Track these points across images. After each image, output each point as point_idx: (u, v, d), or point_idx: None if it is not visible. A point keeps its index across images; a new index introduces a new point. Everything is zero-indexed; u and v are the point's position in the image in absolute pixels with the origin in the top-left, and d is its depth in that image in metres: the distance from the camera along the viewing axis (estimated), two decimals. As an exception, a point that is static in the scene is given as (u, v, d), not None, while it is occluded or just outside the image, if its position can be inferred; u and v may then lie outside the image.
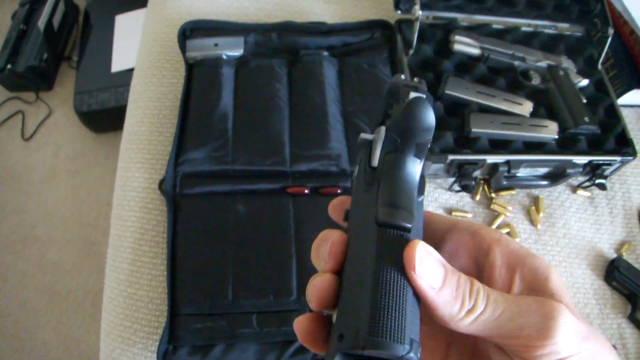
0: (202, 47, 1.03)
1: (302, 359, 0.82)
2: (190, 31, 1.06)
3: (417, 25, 0.99)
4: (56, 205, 2.08)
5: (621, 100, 1.15)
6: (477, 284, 0.37)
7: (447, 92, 0.97)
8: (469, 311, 0.36)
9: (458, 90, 0.98)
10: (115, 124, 2.02)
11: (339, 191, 0.92)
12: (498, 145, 0.97)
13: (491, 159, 0.94)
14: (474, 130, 0.94)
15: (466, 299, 0.36)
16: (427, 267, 0.35)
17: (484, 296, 0.36)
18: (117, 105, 1.96)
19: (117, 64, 2.06)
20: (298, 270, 0.85)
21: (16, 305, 1.90)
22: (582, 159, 0.97)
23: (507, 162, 0.94)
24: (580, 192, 1.06)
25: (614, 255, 1.01)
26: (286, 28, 1.07)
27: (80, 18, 2.44)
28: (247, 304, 0.83)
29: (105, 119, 2.07)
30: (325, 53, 1.04)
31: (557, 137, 0.97)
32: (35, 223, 2.05)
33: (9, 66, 2.18)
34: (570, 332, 0.36)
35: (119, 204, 1.00)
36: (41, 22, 2.18)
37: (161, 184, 0.94)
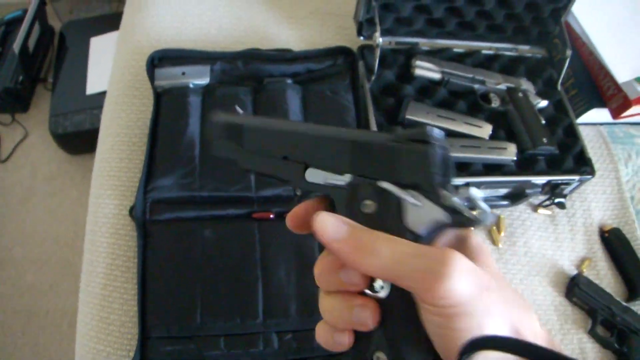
0: (169, 76, 1.05)
1: (268, 380, 0.84)
2: (159, 60, 1.09)
3: (378, 52, 1.01)
4: (33, 227, 2.09)
5: (582, 119, 1.19)
6: (379, 234, 0.43)
7: (407, 117, 1.00)
8: (371, 254, 0.41)
9: (419, 115, 1.00)
10: (90, 146, 1.99)
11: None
12: (458, 167, 1.00)
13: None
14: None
15: (365, 246, 0.42)
16: (328, 226, 0.44)
17: (387, 244, 0.41)
18: (93, 128, 1.98)
19: (92, 86, 2.08)
20: (264, 294, 0.87)
21: (-7, 327, 1.90)
22: (540, 179, 1.00)
23: (467, 184, 0.97)
24: (541, 210, 1.09)
25: (575, 272, 1.05)
26: (251, 56, 1.10)
27: (55, 40, 2.45)
28: (214, 327, 0.85)
29: (80, 141, 2.08)
30: (289, 81, 1.06)
31: (515, 158, 1.00)
32: (13, 244, 2.06)
33: (-17, 89, 2.19)
34: (464, 280, 0.38)
35: (91, 229, 1.02)
36: (16, 45, 2.19)
37: (131, 210, 0.97)
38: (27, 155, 2.26)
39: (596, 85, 1.20)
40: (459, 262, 0.39)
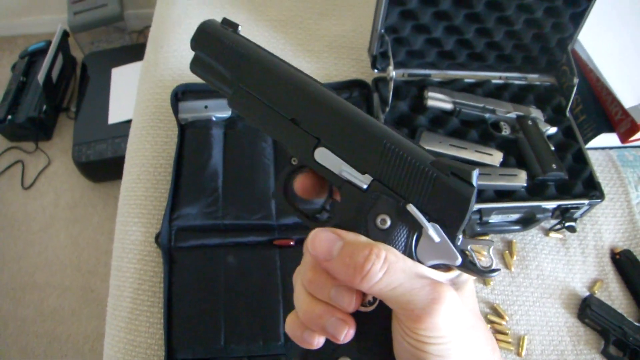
0: (193, 110, 1.10)
1: (290, 400, 0.87)
2: (182, 94, 1.14)
3: (391, 84, 1.06)
4: (55, 253, 2.13)
5: (592, 144, 1.22)
6: (377, 253, 0.43)
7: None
8: (363, 278, 0.42)
9: (432, 144, 1.04)
10: (112, 174, 2.09)
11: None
12: (470, 194, 1.02)
13: (463, 207, 1.00)
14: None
15: (359, 267, 0.42)
16: (319, 243, 0.45)
17: (380, 267, 0.42)
18: (115, 156, 2.04)
19: (114, 116, 2.14)
20: (285, 317, 0.89)
21: (16, 351, 1.94)
22: (550, 204, 1.03)
23: (479, 211, 1.01)
24: (552, 234, 1.11)
25: (587, 294, 1.07)
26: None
27: (77, 70, 2.52)
28: (238, 349, 0.89)
29: (103, 169, 2.14)
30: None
31: (525, 184, 1.04)
32: (35, 270, 2.10)
33: (9, 117, 2.26)
34: (451, 318, 0.42)
35: (118, 256, 1.06)
36: (40, 75, 2.26)
37: (157, 237, 1.01)
38: (50, 183, 2.32)
39: (604, 111, 1.23)
40: (452, 302, 0.43)
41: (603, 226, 1.15)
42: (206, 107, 1.10)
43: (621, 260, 1.11)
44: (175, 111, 1.11)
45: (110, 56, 2.40)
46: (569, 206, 1.05)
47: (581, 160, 1.12)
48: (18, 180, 2.34)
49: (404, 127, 1.10)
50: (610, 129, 1.21)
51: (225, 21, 0.56)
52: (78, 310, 1.99)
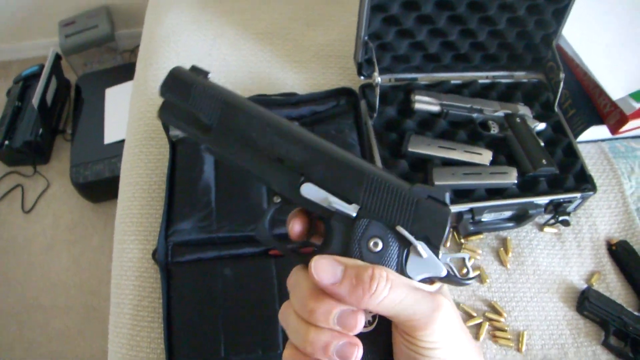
0: (183, 126, 1.11)
1: (292, 409, 0.87)
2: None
3: (377, 90, 1.07)
4: (58, 275, 2.14)
5: (583, 137, 1.22)
6: (379, 273, 0.46)
7: (410, 149, 1.04)
8: (372, 296, 0.45)
9: (420, 147, 1.05)
10: (111, 193, 2.06)
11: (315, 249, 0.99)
12: (462, 194, 1.04)
13: (455, 208, 1.01)
14: (437, 183, 1.01)
15: (366, 286, 0.45)
16: (322, 269, 0.47)
17: (385, 284, 0.45)
18: (112, 176, 2.05)
19: (110, 136, 2.15)
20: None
21: (24, 373, 1.95)
22: (542, 200, 1.04)
23: (471, 210, 1.01)
24: (547, 229, 1.12)
25: (584, 286, 1.07)
26: (258, 102, 1.14)
27: (72, 92, 2.53)
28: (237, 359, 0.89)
29: (101, 189, 2.16)
30: (296, 123, 1.11)
31: (516, 181, 1.04)
32: (39, 293, 2.11)
33: (6, 142, 2.27)
34: (446, 325, 0.47)
35: (117, 274, 1.07)
36: (35, 99, 2.27)
37: (154, 254, 1.02)
38: (50, 205, 2.33)
39: (593, 104, 1.23)
40: (448, 309, 0.48)
41: (598, 218, 1.16)
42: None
43: (618, 251, 1.11)
44: (166, 128, 1.11)
45: (103, 77, 2.41)
46: (562, 200, 1.06)
47: (571, 154, 1.13)
48: (18, 204, 2.35)
49: (392, 131, 1.11)
50: (600, 121, 1.22)
51: (195, 68, 0.56)
52: (83, 329, 2.00)
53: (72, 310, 2.06)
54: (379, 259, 0.49)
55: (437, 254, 0.50)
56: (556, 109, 1.19)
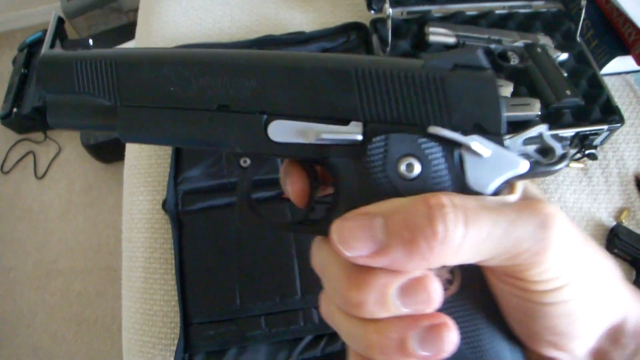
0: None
1: (311, 354, 0.85)
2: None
3: (389, 23, 1.01)
4: (75, 238, 2.14)
5: (606, 69, 1.17)
6: (438, 203, 0.31)
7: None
8: (444, 244, 0.30)
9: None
10: (122, 153, 2.05)
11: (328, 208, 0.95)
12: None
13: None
14: None
15: (428, 233, 0.30)
16: (350, 235, 0.33)
17: (455, 217, 0.30)
18: (122, 135, 2.01)
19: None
20: (300, 271, 0.88)
21: (47, 337, 1.96)
22: (568, 132, 0.99)
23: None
24: (573, 164, 1.07)
25: (614, 223, 1.03)
26: (266, 42, 1.11)
27: (78, 54, 2.50)
28: (254, 308, 0.86)
29: (112, 149, 2.14)
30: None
31: (539, 113, 0.99)
32: (57, 257, 2.11)
33: (15, 110, 2.25)
34: (565, 246, 0.32)
35: (127, 227, 1.04)
36: (41, 64, 2.23)
37: (164, 204, 0.98)
38: (63, 170, 2.32)
39: (617, 34, 1.17)
40: (562, 220, 0.32)
41: (625, 152, 1.11)
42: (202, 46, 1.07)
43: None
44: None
45: (110, 37, 2.37)
46: (588, 133, 1.01)
47: (596, 85, 1.07)
48: (31, 171, 2.34)
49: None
50: (625, 51, 1.16)
51: (70, 43, 0.44)
52: (103, 291, 2.00)
53: (92, 272, 2.06)
54: (422, 184, 0.35)
55: (501, 144, 0.35)
56: (578, 38, 1.13)
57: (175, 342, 0.89)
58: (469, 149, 0.35)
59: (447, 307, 0.34)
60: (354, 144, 0.36)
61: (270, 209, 0.94)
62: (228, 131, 0.38)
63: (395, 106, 0.36)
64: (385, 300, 0.32)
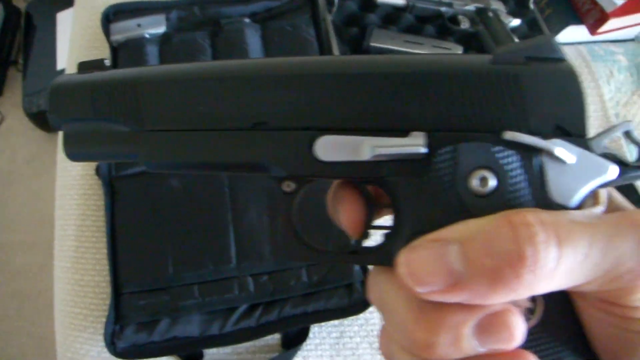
0: (125, 29, 1.01)
1: (246, 324, 0.82)
2: (114, 14, 1.04)
3: (336, -19, 0.98)
4: (18, 210, 2.07)
5: (560, 39, 1.15)
6: (525, 221, 0.26)
7: (372, 44, 0.96)
8: (535, 270, 0.25)
9: (384, 41, 0.97)
10: (66, 122, 2.00)
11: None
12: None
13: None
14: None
15: (514, 261, 0.25)
16: (421, 266, 0.28)
17: (548, 238, 0.26)
18: (66, 102, 1.94)
19: (63, 61, 2.04)
20: (236, 238, 0.85)
21: (-13, 314, 1.89)
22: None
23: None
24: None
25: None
26: (207, 0, 1.06)
27: (22, 21, 2.40)
28: (187, 276, 0.83)
29: (56, 117, 2.05)
30: (247, 20, 1.02)
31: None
32: (-1, 230, 2.04)
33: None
34: None
35: (60, 194, 1.00)
36: (-18, 32, 2.14)
37: (97, 169, 0.93)
38: (6, 140, 2.23)
39: (571, 3, 1.16)
40: None
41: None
42: (139, 25, 1.01)
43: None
44: (107, 33, 1.02)
45: (54, 1, 2.27)
46: (537, 100, 0.99)
47: (548, 52, 1.05)
48: (-27, 142, 2.25)
49: (353, 26, 1.03)
50: (578, 21, 1.15)
51: (84, 65, 0.40)
52: (45, 265, 1.93)
53: (34, 246, 1.99)
54: (499, 201, 0.30)
55: (586, 146, 0.30)
56: (531, 5, 1.11)
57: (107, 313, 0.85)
58: (551, 155, 0.30)
59: (528, 341, 0.29)
60: (416, 158, 0.31)
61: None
62: (267, 152, 0.34)
63: (463, 111, 0.31)
64: (460, 340, 0.27)
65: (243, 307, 0.82)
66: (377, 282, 0.32)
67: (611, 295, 0.27)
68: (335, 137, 0.33)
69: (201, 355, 0.85)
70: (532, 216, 0.26)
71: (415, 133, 0.31)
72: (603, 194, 0.31)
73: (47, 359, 1.81)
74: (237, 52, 0.97)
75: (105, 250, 0.89)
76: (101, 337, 0.84)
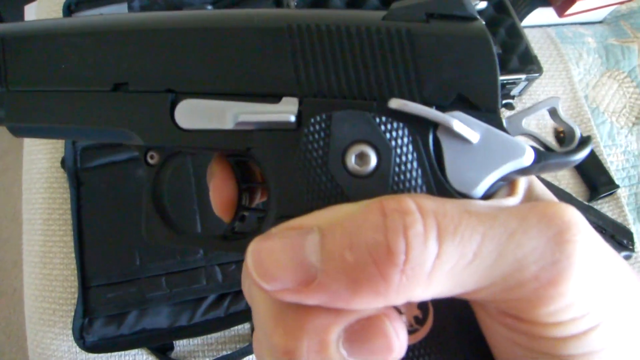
0: (87, 19, 0.99)
1: (215, 314, 0.81)
2: (75, 5, 1.02)
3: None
4: (-10, 207, 2.04)
5: (528, 21, 1.15)
6: (398, 209, 0.22)
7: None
8: (405, 271, 0.21)
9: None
10: (37, 116, 1.97)
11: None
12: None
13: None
14: None
15: (381, 257, 0.21)
16: (269, 261, 0.23)
17: (423, 229, 0.21)
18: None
19: (31, 54, 2.01)
20: (202, 227, 0.84)
21: (-38, 312, 1.87)
22: (484, 81, 0.97)
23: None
24: (490, 115, 1.06)
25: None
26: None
27: (-11, 15, 2.36)
28: (154, 267, 0.82)
29: (26, 111, 2.02)
30: (210, 7, 1.01)
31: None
32: (-30, 228, 2.01)
33: None
34: (593, 272, 0.22)
35: (26, 188, 0.99)
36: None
37: (63, 161, 0.92)
38: (-23, 135, 2.20)
39: (539, -15, 1.16)
40: (586, 232, 0.22)
41: (545, 105, 1.10)
42: (101, 15, 0.99)
43: (566, 139, 1.05)
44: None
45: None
46: (505, 82, 0.99)
47: (515, 35, 1.05)
48: (-56, 139, 2.21)
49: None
50: (545, 3, 1.15)
51: None
52: (20, 261, 1.89)
53: (7, 242, 1.96)
54: (380, 184, 0.25)
55: (498, 124, 0.26)
56: (498, -13, 1.10)
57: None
58: (448, 131, 0.25)
59: (415, 356, 0.25)
60: (285, 127, 0.27)
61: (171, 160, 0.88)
62: (125, 117, 0.30)
63: (344, 74, 0.26)
64: (325, 348, 0.23)
65: (211, 297, 0.82)
66: (245, 275, 0.28)
67: (513, 308, 0.23)
68: (198, 102, 0.29)
69: (171, 347, 0.84)
70: (411, 202, 0.22)
71: (287, 99, 0.27)
72: (521, 183, 0.27)
73: (24, 356, 1.79)
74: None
75: (72, 244, 0.88)
76: (69, 332, 0.83)
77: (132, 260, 0.82)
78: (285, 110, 0.27)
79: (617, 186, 1.01)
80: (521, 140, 0.25)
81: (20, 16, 2.12)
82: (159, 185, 0.34)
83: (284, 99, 0.27)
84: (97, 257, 0.84)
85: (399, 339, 0.23)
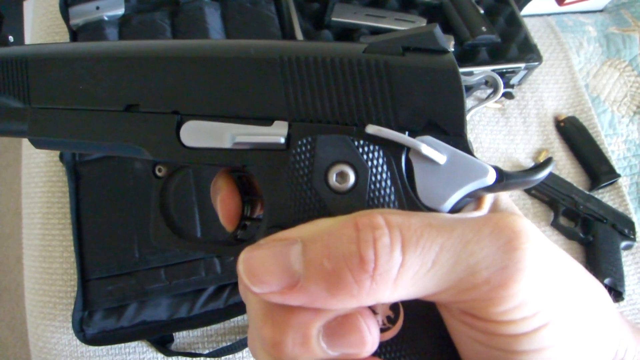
0: (83, 13, 0.99)
1: (214, 306, 0.81)
2: (72, -1, 1.03)
3: None
4: (-8, 203, 2.04)
5: (528, 10, 1.15)
6: (371, 224, 0.25)
7: (334, 19, 0.95)
8: (375, 277, 0.24)
9: (345, 16, 0.96)
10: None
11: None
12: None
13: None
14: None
15: (355, 265, 0.25)
16: (260, 267, 0.27)
17: (394, 240, 0.25)
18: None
19: (31, 49, 2.01)
20: (201, 219, 0.84)
21: (-34, 308, 1.87)
22: (483, 70, 0.96)
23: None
24: (489, 104, 1.05)
25: (531, 164, 1.01)
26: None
27: (-11, 14, 2.37)
28: (153, 259, 0.82)
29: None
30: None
31: (453, 50, 0.96)
32: (-27, 223, 2.01)
33: None
34: (543, 275, 0.25)
35: (25, 182, 0.98)
36: (-54, 22, 2.11)
37: (61, 155, 0.92)
38: (-22, 132, 2.20)
39: (538, -27, 1.16)
40: (536, 240, 0.25)
41: (544, 93, 1.09)
42: (98, 8, 0.99)
43: (566, 128, 1.05)
44: (66, 18, 1.00)
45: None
46: (504, 70, 0.98)
47: (515, 23, 1.05)
48: (-55, 135, 2.21)
49: (315, 1, 1.01)
50: (545, -9, 1.15)
51: None
52: (22, 257, 1.92)
53: (10, 238, 1.96)
54: (357, 199, 0.29)
55: (465, 147, 0.29)
56: (498, -23, 1.10)
57: (76, 300, 0.85)
58: (418, 153, 0.28)
59: (388, 352, 0.29)
60: (276, 148, 0.31)
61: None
62: (136, 135, 0.34)
63: (328, 101, 0.30)
64: (307, 341, 0.26)
65: (210, 289, 0.82)
66: (242, 279, 0.30)
67: (470, 307, 0.26)
68: (200, 123, 0.32)
69: (171, 339, 0.84)
70: (380, 218, 0.25)
71: (278, 122, 0.31)
72: (487, 199, 0.30)
73: (27, 350, 1.80)
74: (197, 31, 0.96)
75: (71, 238, 0.88)
76: (70, 325, 0.84)
77: (131, 252, 0.82)
78: (277, 133, 0.30)
79: (618, 175, 1.01)
80: (482, 161, 0.29)
81: (19, 12, 2.12)
82: (165, 195, 0.38)
83: (276, 122, 0.31)
84: (96, 250, 0.84)
85: (371, 334, 0.27)
